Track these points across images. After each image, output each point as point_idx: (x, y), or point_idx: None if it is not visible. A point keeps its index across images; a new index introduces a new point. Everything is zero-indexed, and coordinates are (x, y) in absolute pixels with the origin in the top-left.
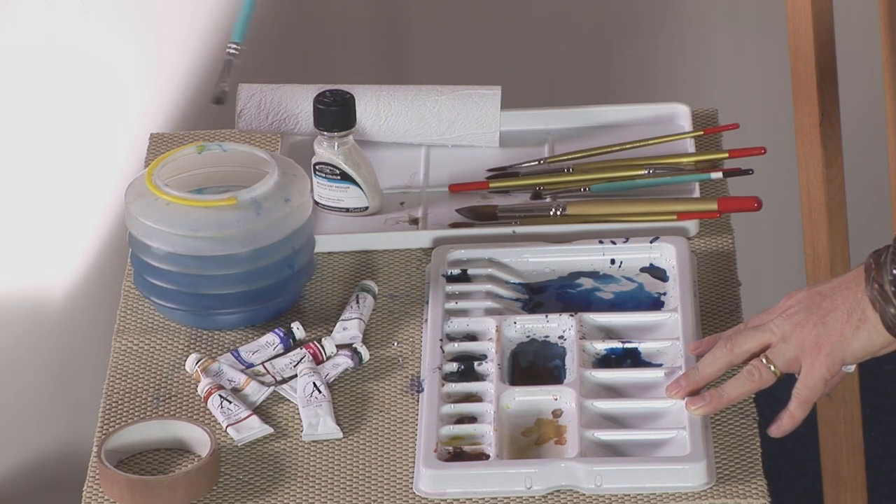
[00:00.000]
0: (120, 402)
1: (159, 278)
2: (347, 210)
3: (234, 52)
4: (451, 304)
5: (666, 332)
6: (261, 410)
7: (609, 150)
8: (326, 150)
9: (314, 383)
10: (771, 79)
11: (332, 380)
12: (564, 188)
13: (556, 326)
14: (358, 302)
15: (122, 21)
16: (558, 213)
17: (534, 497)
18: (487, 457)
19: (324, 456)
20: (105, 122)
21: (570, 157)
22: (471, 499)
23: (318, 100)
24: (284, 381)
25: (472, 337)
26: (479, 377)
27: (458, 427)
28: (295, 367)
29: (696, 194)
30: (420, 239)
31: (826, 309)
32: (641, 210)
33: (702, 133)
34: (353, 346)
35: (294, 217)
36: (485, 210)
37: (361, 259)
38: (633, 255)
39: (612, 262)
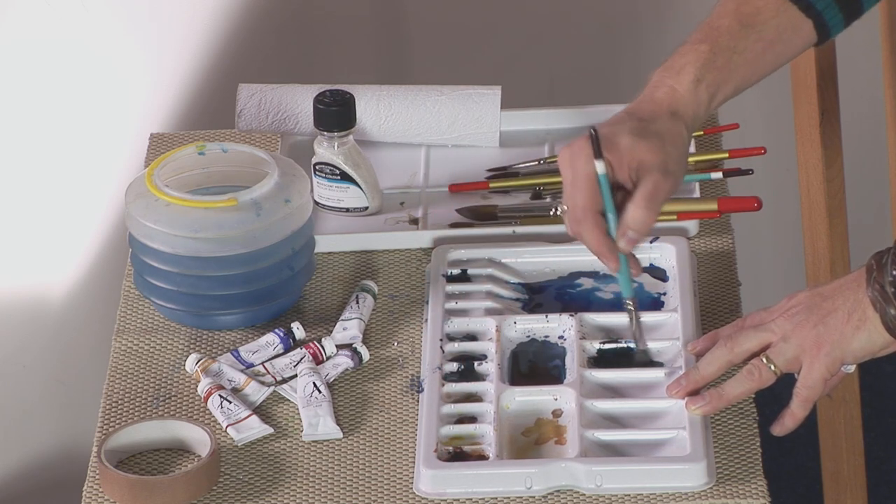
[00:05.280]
0: (120, 402)
1: (159, 279)
2: (347, 210)
3: (629, 306)
4: (451, 304)
5: (666, 332)
6: (261, 410)
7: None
8: (326, 150)
9: (314, 383)
10: (771, 79)
11: (332, 380)
12: None
13: (556, 326)
14: (358, 302)
15: (122, 20)
16: (558, 213)
17: (534, 497)
18: (487, 457)
19: (324, 456)
20: (105, 121)
21: None
22: (471, 499)
23: (318, 100)
24: (284, 381)
25: (472, 337)
26: (479, 377)
27: (458, 427)
28: (295, 367)
29: (696, 194)
30: (420, 239)
31: (827, 309)
32: None
33: (702, 133)
34: (353, 346)
35: (294, 218)
36: (485, 210)
37: (361, 259)
38: None
39: None
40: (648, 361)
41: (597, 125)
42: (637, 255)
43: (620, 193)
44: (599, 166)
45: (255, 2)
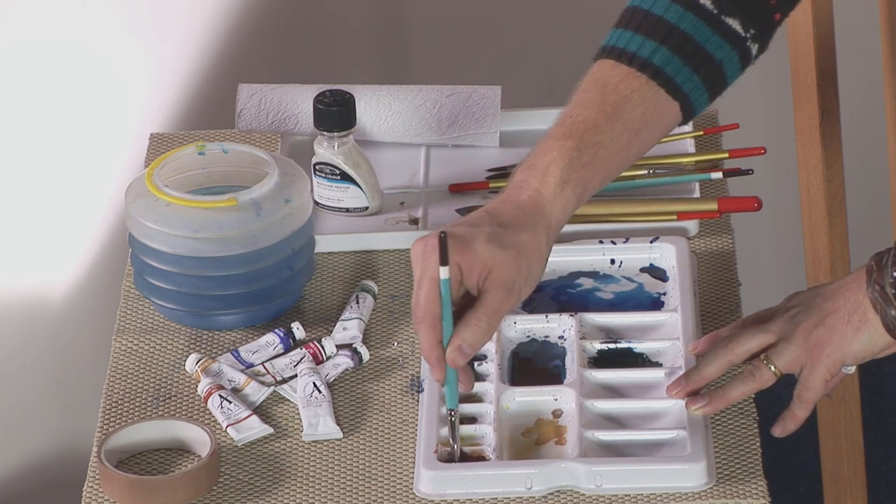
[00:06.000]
0: (120, 402)
1: (159, 279)
2: (347, 210)
3: (452, 417)
4: None
5: (666, 332)
6: (261, 410)
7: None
8: (326, 150)
9: (314, 383)
10: (771, 79)
11: (332, 380)
12: None
13: (556, 326)
14: (358, 302)
15: (122, 20)
16: None
17: (534, 497)
18: (488, 458)
19: (324, 456)
20: (105, 121)
21: None
22: (471, 499)
23: (318, 100)
24: (284, 381)
25: None
26: (478, 377)
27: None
28: (295, 367)
29: (696, 194)
30: None
31: (827, 310)
32: (641, 210)
33: (702, 133)
34: (353, 346)
35: (294, 218)
36: None
37: (361, 259)
38: (633, 255)
39: (612, 262)
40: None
41: (449, 227)
42: (637, 255)
43: (466, 298)
44: (443, 272)
45: (255, 2)
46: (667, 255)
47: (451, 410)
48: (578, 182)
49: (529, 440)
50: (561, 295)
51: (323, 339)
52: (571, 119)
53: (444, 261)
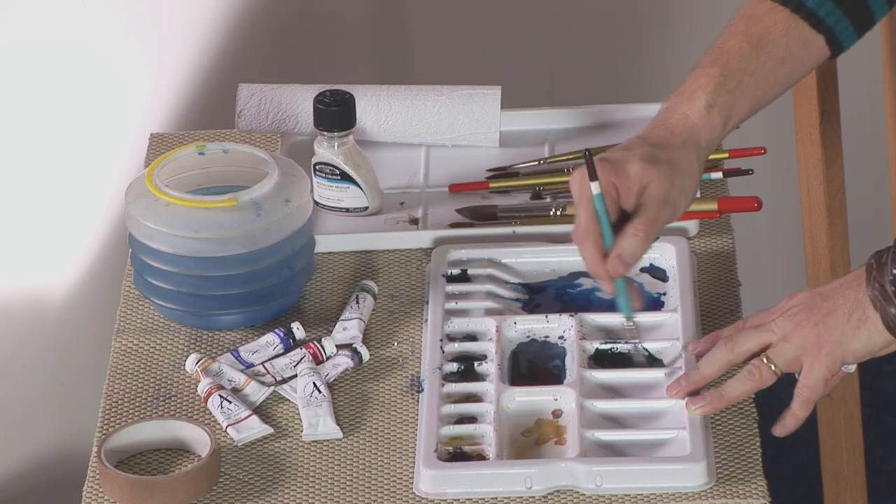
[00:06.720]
0: (120, 402)
1: (159, 279)
2: (347, 210)
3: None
4: (451, 304)
5: (666, 332)
6: (261, 410)
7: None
8: (326, 150)
9: (314, 383)
10: None
11: (332, 380)
12: (564, 188)
13: (556, 326)
14: (358, 302)
15: (122, 20)
16: (558, 213)
17: (534, 497)
18: (487, 457)
19: (324, 456)
20: (105, 121)
21: (570, 157)
22: (471, 499)
23: (318, 100)
24: (284, 381)
25: (472, 337)
26: (479, 377)
27: (458, 427)
28: (295, 367)
29: (697, 194)
30: (420, 239)
31: (827, 309)
32: None
33: None
34: (353, 346)
35: (294, 218)
36: (485, 210)
37: (361, 259)
38: None
39: None
40: (648, 357)
41: (609, 151)
42: None
43: (622, 218)
44: (594, 187)
45: (255, 2)
46: (667, 255)
47: (627, 317)
48: (724, 106)
49: (529, 440)
50: (563, 296)
51: (323, 339)
52: (718, 49)
53: (592, 176)
